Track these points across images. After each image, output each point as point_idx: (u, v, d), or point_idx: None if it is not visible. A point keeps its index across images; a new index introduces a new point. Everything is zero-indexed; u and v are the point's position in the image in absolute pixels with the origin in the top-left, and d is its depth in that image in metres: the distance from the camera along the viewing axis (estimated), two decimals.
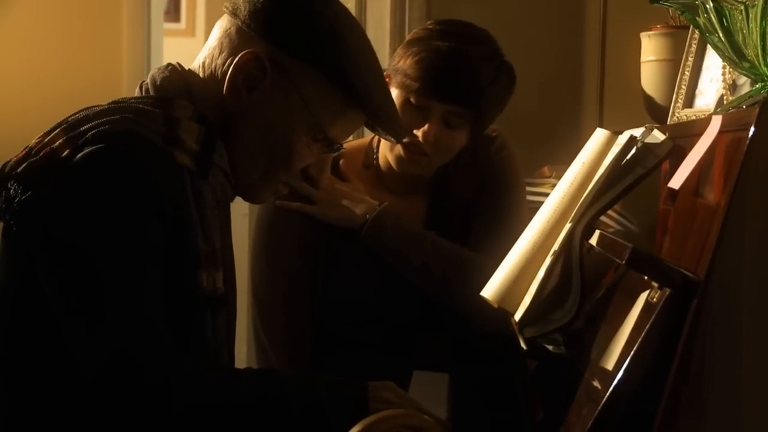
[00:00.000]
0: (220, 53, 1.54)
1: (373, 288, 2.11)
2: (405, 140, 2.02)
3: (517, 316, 1.58)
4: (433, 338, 2.14)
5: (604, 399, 1.11)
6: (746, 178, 1.05)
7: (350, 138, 2.19)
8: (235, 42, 1.53)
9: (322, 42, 1.51)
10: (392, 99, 1.65)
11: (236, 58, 1.50)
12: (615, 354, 1.19)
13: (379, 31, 3.34)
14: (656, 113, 1.99)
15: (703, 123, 1.30)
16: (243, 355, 2.87)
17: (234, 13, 1.54)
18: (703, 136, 1.23)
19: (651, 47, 2.03)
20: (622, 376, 1.10)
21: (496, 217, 2.09)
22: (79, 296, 1.37)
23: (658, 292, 1.12)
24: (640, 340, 1.10)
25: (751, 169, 1.05)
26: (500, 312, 1.67)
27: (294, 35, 1.51)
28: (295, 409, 1.42)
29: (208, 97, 1.53)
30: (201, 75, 1.56)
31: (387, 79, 2.03)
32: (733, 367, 1.09)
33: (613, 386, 1.10)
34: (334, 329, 2.14)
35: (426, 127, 2.01)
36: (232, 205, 1.67)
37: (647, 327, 1.09)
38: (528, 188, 2.32)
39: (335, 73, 1.51)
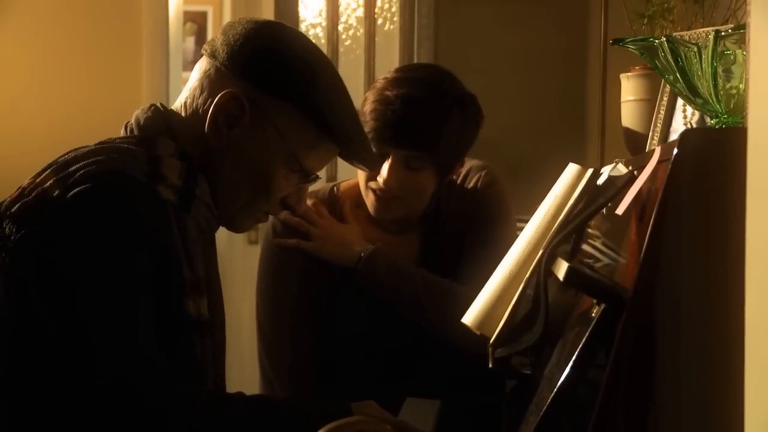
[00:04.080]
0: (201, 93, 1.63)
1: (371, 320, 2.19)
2: (373, 187, 2.12)
3: (492, 339, 1.67)
4: (428, 365, 2.21)
5: (546, 405, 1.20)
6: (671, 198, 1.14)
7: (349, 178, 2.30)
8: (215, 82, 1.62)
9: (296, 80, 1.60)
10: (363, 131, 1.74)
11: (216, 98, 1.60)
12: (563, 367, 1.28)
13: None
14: (635, 150, 2.07)
15: (651, 154, 1.39)
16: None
17: (213, 56, 1.64)
18: (646, 167, 1.32)
19: (630, 87, 2.12)
20: (563, 382, 1.19)
21: (485, 251, 2.15)
22: (76, 326, 1.45)
23: (597, 308, 1.21)
24: (578, 350, 1.19)
25: (675, 188, 1.14)
26: (484, 339, 1.76)
27: (270, 74, 1.61)
28: (284, 429, 1.52)
29: (189, 135, 1.63)
30: (183, 114, 1.65)
31: None
32: (674, 379, 1.17)
33: (553, 393, 1.19)
34: (334, 360, 2.22)
35: (385, 174, 2.09)
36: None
37: (584, 339, 1.19)
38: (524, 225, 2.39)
39: (308, 108, 1.61)
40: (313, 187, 2.33)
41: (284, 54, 1.62)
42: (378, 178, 2.11)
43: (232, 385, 1.84)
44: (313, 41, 1.82)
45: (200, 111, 1.63)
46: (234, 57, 1.62)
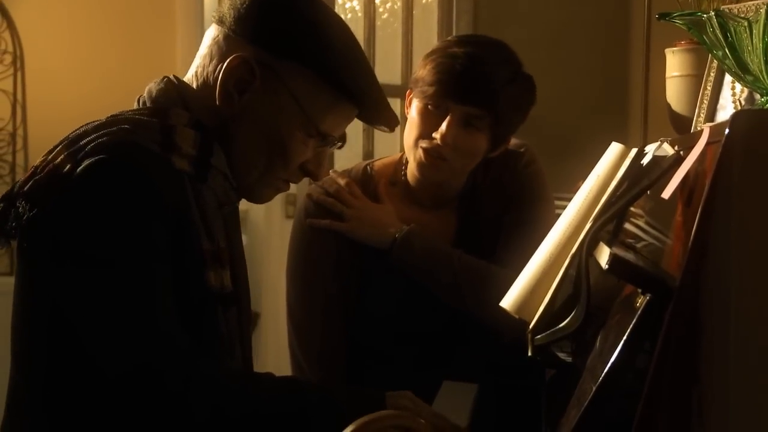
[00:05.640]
0: (211, 61, 1.59)
1: (404, 301, 2.16)
2: (424, 145, 2.08)
3: (531, 325, 1.62)
4: (466, 349, 2.17)
5: (588, 400, 1.15)
6: (721, 182, 1.08)
7: (384, 157, 2.25)
8: (224, 48, 1.58)
9: (307, 40, 1.56)
10: (381, 89, 1.68)
11: (225, 64, 1.56)
12: (606, 359, 1.23)
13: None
14: (681, 127, 2.02)
15: (698, 134, 1.33)
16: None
17: (221, 22, 1.60)
18: (695, 148, 1.26)
19: (675, 63, 2.06)
20: (605, 375, 1.14)
21: (523, 231, 2.12)
22: (92, 305, 1.42)
23: (641, 297, 1.16)
24: (621, 343, 1.13)
25: (725, 172, 1.08)
26: (523, 323, 1.71)
27: (278, 36, 1.56)
28: (313, 415, 1.48)
29: (202, 104, 1.59)
30: (194, 84, 1.61)
31: (408, 93, 2.10)
32: (722, 371, 1.12)
33: (595, 388, 1.14)
34: (367, 344, 2.18)
35: (444, 128, 2.05)
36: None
37: (628, 331, 1.13)
38: (565, 203, 2.34)
39: (321, 69, 1.56)
40: (346, 166, 2.29)
41: (292, 14, 1.57)
42: (435, 134, 2.07)
43: (269, 364, 1.81)
44: (350, 15, 1.77)
45: (211, 79, 1.59)
46: (241, 20, 1.58)
